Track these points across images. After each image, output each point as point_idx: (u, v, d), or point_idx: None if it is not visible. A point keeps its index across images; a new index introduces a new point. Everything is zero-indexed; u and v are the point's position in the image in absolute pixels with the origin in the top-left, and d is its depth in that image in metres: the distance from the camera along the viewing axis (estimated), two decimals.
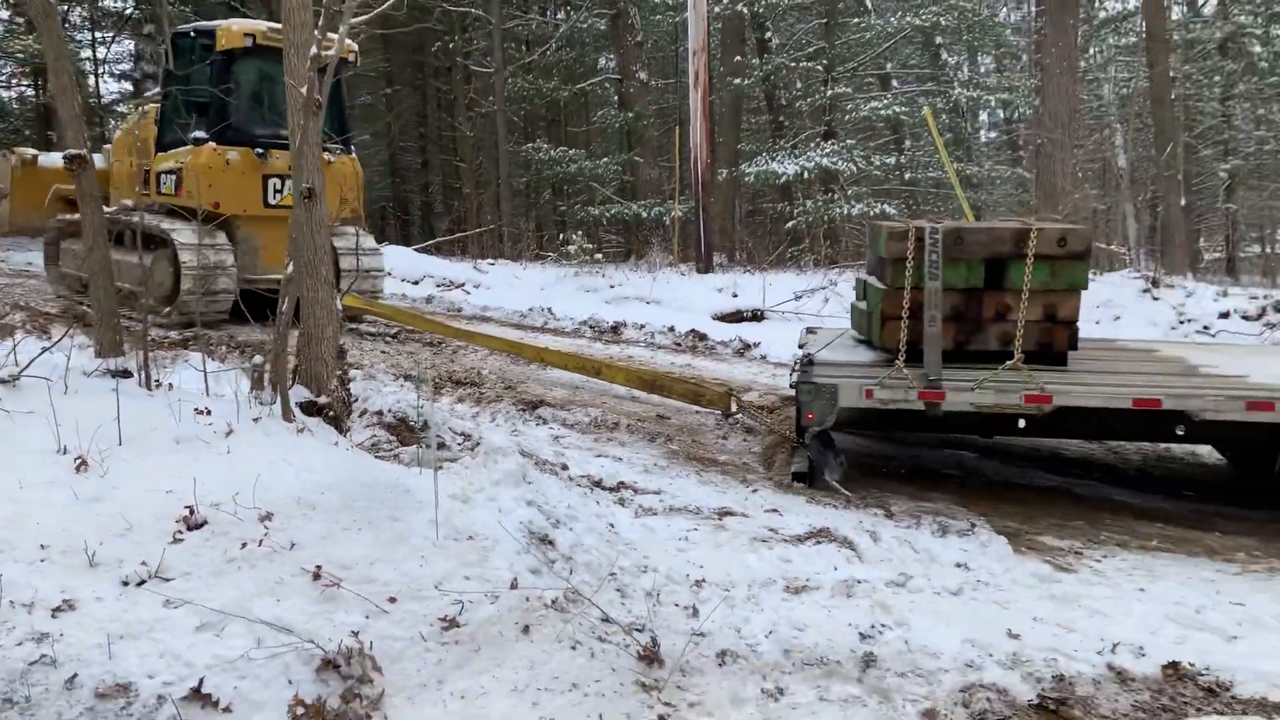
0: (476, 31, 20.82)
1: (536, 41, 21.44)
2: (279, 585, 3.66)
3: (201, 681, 3.25)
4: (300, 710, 3.25)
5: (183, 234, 9.92)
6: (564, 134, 23.07)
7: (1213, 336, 10.51)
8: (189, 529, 3.87)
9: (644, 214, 18.69)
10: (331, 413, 5.15)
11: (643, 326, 11.33)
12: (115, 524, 3.83)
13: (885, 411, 6.21)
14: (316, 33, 4.76)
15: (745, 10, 18.13)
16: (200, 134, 10.16)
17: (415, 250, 15.43)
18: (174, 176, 10.53)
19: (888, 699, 3.72)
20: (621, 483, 5.82)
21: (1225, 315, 10.97)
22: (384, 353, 9.11)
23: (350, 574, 3.75)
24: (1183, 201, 19.25)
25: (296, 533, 3.88)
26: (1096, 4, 26.67)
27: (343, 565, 3.78)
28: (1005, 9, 24.34)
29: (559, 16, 19.75)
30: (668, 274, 14.16)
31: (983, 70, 26.43)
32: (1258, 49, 25.25)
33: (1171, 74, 19.62)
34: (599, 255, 14.63)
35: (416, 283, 13.24)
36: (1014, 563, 5.07)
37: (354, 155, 10.94)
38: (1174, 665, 4.05)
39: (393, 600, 3.71)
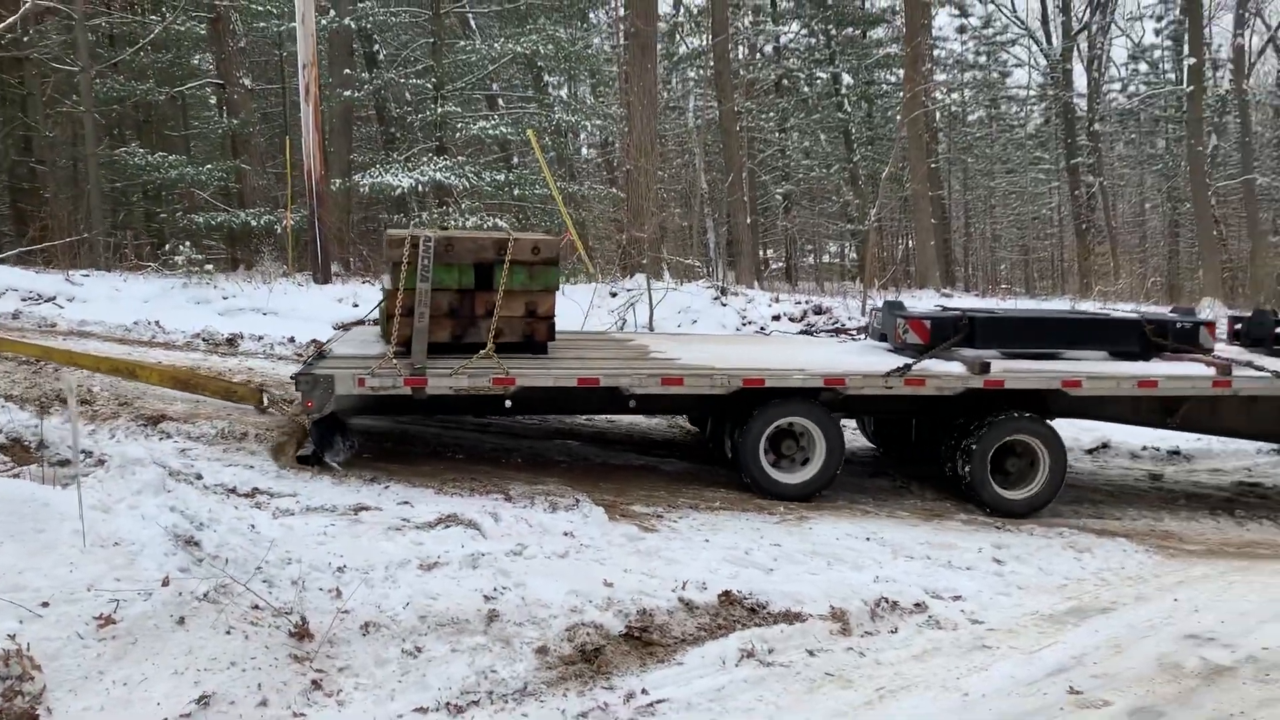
0: (54, 25, 19.13)
1: (127, 40, 20.09)
2: None
3: None
4: None
5: None
6: (158, 138, 21.76)
7: (768, 334, 12.52)
8: None
9: (253, 222, 18.26)
10: None
11: (261, 338, 11.32)
12: None
13: (388, 398, 6.94)
14: None
15: (352, 24, 18.34)
16: None
17: None
18: None
19: (509, 644, 4.49)
20: (256, 488, 6.12)
21: (777, 318, 13.11)
22: None
23: None
24: (749, 219, 22.16)
25: None
26: (677, 40, 29.70)
27: None
28: (599, 39, 26.42)
29: (153, 16, 18.68)
30: (284, 285, 14.09)
31: (581, 90, 28.47)
32: (805, 89, 29.51)
33: (736, 108, 22.49)
34: (209, 266, 14.20)
35: None
36: (610, 528, 6.07)
37: None
38: (727, 594, 5.20)
39: (46, 604, 3.89)
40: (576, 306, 12.85)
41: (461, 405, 7.46)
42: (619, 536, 5.97)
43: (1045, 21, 35.35)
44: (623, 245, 16.13)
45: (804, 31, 29.51)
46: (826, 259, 37.69)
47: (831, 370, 7.26)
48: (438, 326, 7.24)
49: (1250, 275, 27.68)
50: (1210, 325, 8.27)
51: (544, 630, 4.60)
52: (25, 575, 3.97)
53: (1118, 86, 36.96)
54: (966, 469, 7.36)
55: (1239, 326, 9.60)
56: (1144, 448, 10.93)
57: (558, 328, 7.80)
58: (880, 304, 9.02)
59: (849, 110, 29.59)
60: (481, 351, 7.11)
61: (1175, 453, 11.03)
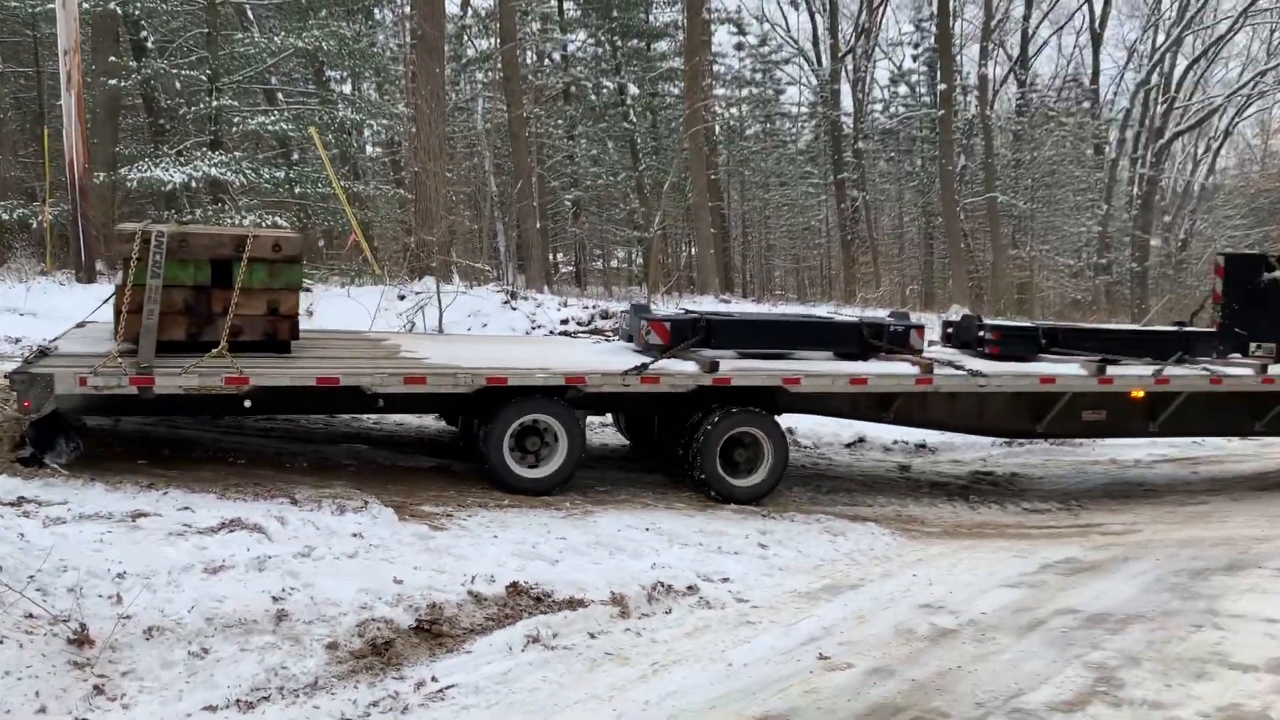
0: None
1: None
2: None
3: None
4: None
5: None
6: None
7: (528, 336, 12.84)
8: None
9: (4, 215, 16.91)
10: None
11: (18, 340, 10.61)
12: None
13: (116, 398, 6.72)
14: None
15: (118, 9, 17.31)
16: None
17: None
18: None
19: (299, 641, 4.58)
20: (22, 497, 5.86)
21: (565, 321, 13.47)
22: None
23: None
24: (538, 224, 22.47)
25: None
26: (465, 42, 29.63)
27: None
28: (385, 36, 25.98)
29: None
30: (44, 283, 13.19)
31: (366, 87, 27.89)
32: (593, 98, 30.15)
33: (525, 114, 22.75)
34: None
35: None
36: (400, 528, 6.20)
37: None
38: (515, 585, 5.47)
39: None
40: (363, 309, 12.74)
41: (199, 405, 7.19)
42: (409, 536, 6.11)
43: (816, 43, 37.64)
44: (411, 248, 16.04)
45: (591, 41, 30.13)
46: (615, 264, 38.54)
47: (573, 369, 7.60)
48: (172, 324, 7.05)
49: (992, 284, 30.50)
50: (920, 329, 9.10)
51: (334, 627, 4.72)
52: None
53: (880, 107, 39.78)
54: (698, 460, 7.86)
55: (950, 330, 10.70)
56: (895, 442, 12.00)
57: (342, 329, 7.81)
58: (628, 307, 9.52)
59: (634, 120, 30.45)
60: (213, 351, 6.96)
61: (922, 446, 12.17)
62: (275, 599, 4.86)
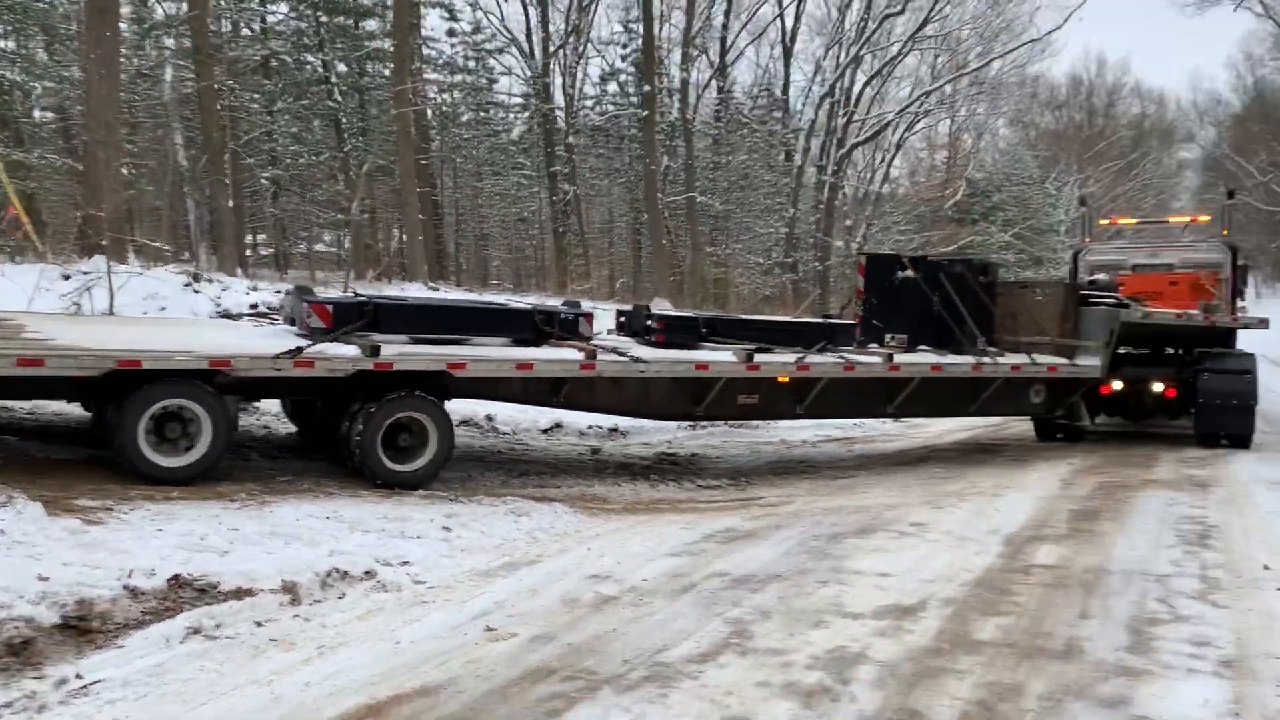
0: None
1: None
2: None
3: None
4: None
5: None
6: None
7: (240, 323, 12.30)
8: None
9: None
10: None
11: None
12: None
13: None
14: None
15: None
16: None
17: None
18: None
19: None
20: None
21: (255, 306, 12.92)
22: None
23: None
24: (231, 203, 21.26)
25: None
26: (151, 3, 27.44)
27: None
28: None
29: None
30: None
31: (32, 46, 25.16)
32: (295, 73, 28.84)
33: (218, 85, 21.44)
34: None
35: None
36: (49, 523, 5.79)
37: None
38: (177, 577, 5.28)
39: None
40: (19, 289, 11.61)
41: None
42: (59, 531, 5.73)
43: (529, 35, 37.98)
44: (80, 223, 14.72)
45: (292, 14, 28.80)
46: (321, 248, 37.08)
47: (219, 352, 7.33)
48: None
49: (691, 279, 32.21)
50: (589, 317, 9.55)
51: None
52: None
53: (591, 103, 40.77)
54: (359, 445, 7.81)
55: (623, 320, 11.32)
56: (590, 427, 12.54)
57: (35, 312, 7.09)
58: (291, 289, 9.38)
59: (340, 99, 29.46)
60: None
61: (615, 430, 12.78)
62: None
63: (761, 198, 38.84)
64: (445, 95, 37.15)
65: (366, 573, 5.82)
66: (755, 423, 14.00)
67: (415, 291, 19.15)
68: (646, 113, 30.17)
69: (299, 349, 7.53)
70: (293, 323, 8.74)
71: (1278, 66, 57.04)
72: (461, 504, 7.69)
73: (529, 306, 9.74)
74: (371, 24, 31.22)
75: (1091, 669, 4.61)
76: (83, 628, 4.68)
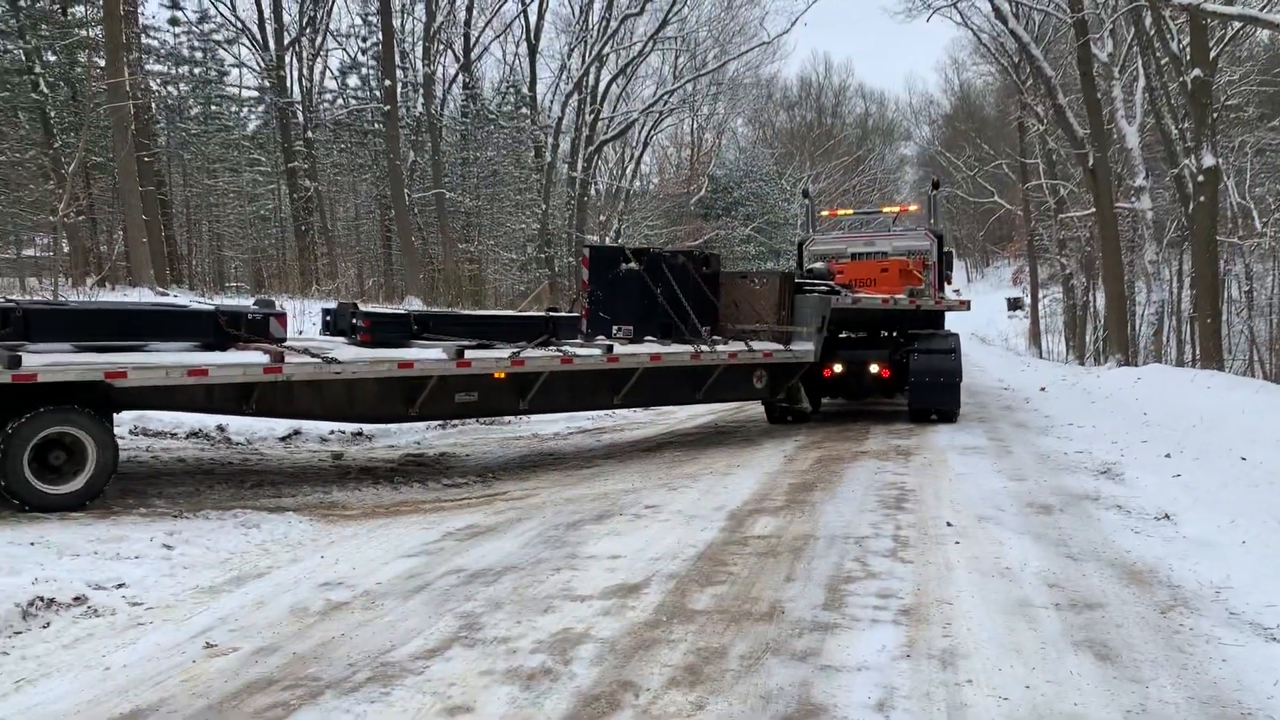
0: None
1: None
2: None
3: None
4: None
5: None
6: None
7: None
8: None
9: None
10: None
11: None
12: None
13: None
14: None
15: None
16: None
17: None
18: None
19: None
20: None
21: None
22: None
23: None
24: None
25: None
26: None
27: None
28: None
29: None
30: None
31: None
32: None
33: None
34: None
35: None
36: None
37: None
38: None
39: None
40: None
41: None
42: None
43: (262, 25, 36.25)
44: None
45: None
46: (34, 253, 33.83)
47: None
48: None
49: (443, 275, 31.87)
50: (281, 317, 9.16)
51: None
52: None
53: (330, 97, 39.46)
54: (2, 466, 7.11)
55: (328, 319, 11.03)
56: (331, 432, 12.24)
57: None
58: None
59: (47, 91, 27.01)
60: None
61: (359, 434, 12.54)
62: None
63: (512, 194, 38.94)
64: (170, 88, 34.85)
65: (76, 598, 5.49)
66: (507, 419, 14.12)
67: (137, 296, 17.95)
68: (389, 107, 29.56)
69: None
70: None
71: (979, 71, 63.05)
72: (186, 519, 7.36)
73: (212, 308, 9.12)
74: (80, 10, 28.84)
75: (790, 627, 5.06)
76: None
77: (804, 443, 12.17)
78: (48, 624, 5.19)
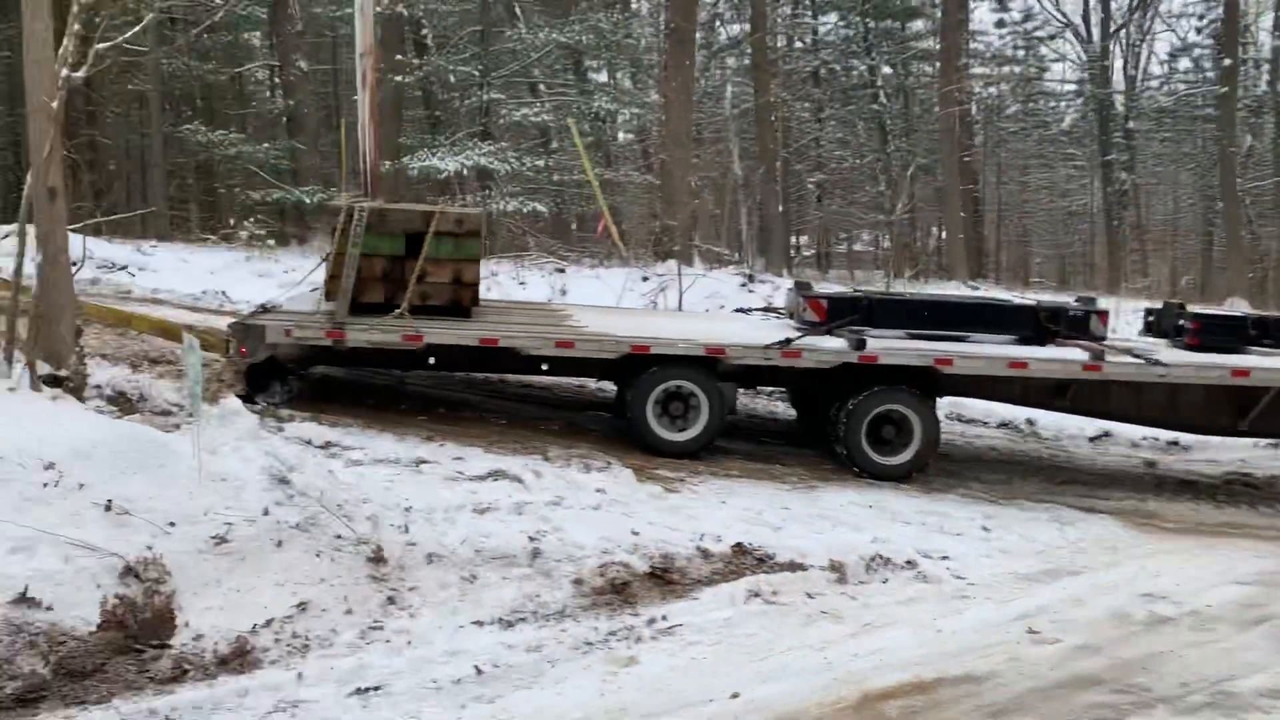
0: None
1: (188, 22, 21.03)
2: (76, 515, 4.55)
3: (26, 588, 4.13)
4: (115, 602, 4.24)
5: None
6: (214, 116, 22.72)
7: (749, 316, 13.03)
8: None
9: (307, 200, 19.18)
10: (71, 384, 5.86)
11: None
12: None
13: (319, 348, 7.83)
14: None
15: (404, 11, 19.15)
16: None
17: (71, 230, 14.83)
18: None
19: (549, 575, 5.27)
20: (329, 441, 6.94)
21: (769, 302, 13.73)
22: None
23: (135, 506, 4.71)
24: (780, 208, 22.79)
25: (81, 477, 4.76)
26: (717, 28, 30.24)
27: (128, 499, 4.72)
28: (640, 27, 26.99)
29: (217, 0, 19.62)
30: None
31: (620, 76, 29.07)
32: (842, 80, 29.98)
33: (772, 99, 23.08)
34: (270, 241, 15.08)
35: (77, 263, 12.98)
36: (637, 487, 6.83)
37: None
38: (739, 545, 5.95)
39: (173, 524, 4.72)
40: (610, 289, 13.59)
41: (389, 359, 8.17)
42: (645, 495, 6.73)
43: (1086, 17, 35.48)
44: (656, 232, 16.84)
45: (841, 23, 29.94)
46: (859, 248, 38.14)
47: (714, 340, 7.93)
48: (371, 288, 8.04)
49: (1277, 276, 27.89)
50: (1103, 314, 8.68)
51: (579, 566, 5.38)
52: (155, 500, 4.80)
53: (1155, 84, 37.02)
54: (844, 436, 7.95)
55: (1151, 319, 10.06)
56: (1143, 438, 11.52)
57: (583, 302, 8.43)
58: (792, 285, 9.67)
59: (884, 102, 30.02)
60: (395, 311, 7.89)
61: (1174, 443, 11.61)
62: (531, 539, 5.57)
63: None
64: (991, 89, 36.10)
65: (908, 562, 6.05)
66: None
67: (953, 290, 19.00)
68: (1225, 89, 26.69)
69: (787, 340, 7.97)
70: (793, 317, 9.20)
71: None
72: (1000, 506, 7.60)
73: (1033, 303, 9.20)
74: (918, 24, 31.39)
75: None
76: (666, 578, 5.49)
77: None
78: (885, 580, 5.80)
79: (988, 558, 6.35)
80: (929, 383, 8.28)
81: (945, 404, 11.31)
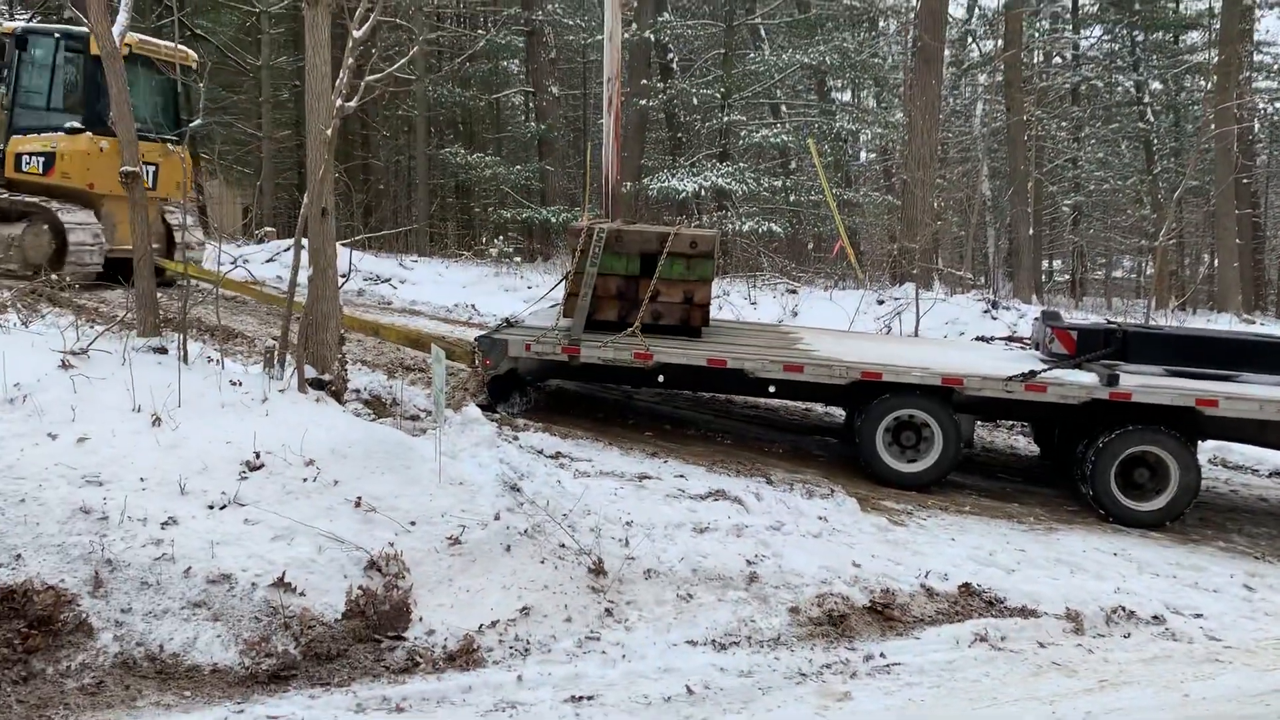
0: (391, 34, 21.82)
1: (452, 52, 22.58)
2: (330, 510, 4.96)
3: (283, 574, 4.54)
4: (359, 593, 4.58)
5: (70, 212, 11.29)
6: (473, 139, 24.23)
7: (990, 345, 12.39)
8: (251, 470, 5.12)
9: (553, 219, 20.07)
10: (333, 388, 6.40)
11: None
12: (194, 464, 5.06)
13: (556, 363, 8.12)
14: (338, 84, 6.03)
15: (651, 37, 19.68)
16: (74, 123, 11.42)
17: (341, 245, 16.24)
18: (42, 159, 11.59)
19: (766, 601, 5.24)
20: (559, 452, 7.22)
21: (1013, 331, 12.96)
22: None
23: (381, 504, 5.08)
24: (1030, 231, 21.64)
25: (336, 474, 5.18)
26: (968, 45, 29.20)
27: (375, 497, 5.10)
28: (887, 46, 26.48)
29: (480, 31, 20.93)
30: None
31: (864, 96, 28.61)
32: (1105, 97, 28.16)
33: (1026, 117, 22.00)
34: (518, 258, 15.88)
35: (344, 276, 14.20)
36: (861, 517, 6.67)
37: (184, 146, 10.86)
38: (967, 586, 5.69)
39: (413, 523, 5.05)
40: (843, 312, 13.38)
41: (620, 376, 8.37)
42: (869, 526, 6.55)
43: None
44: (894, 254, 16.42)
45: (1106, 37, 28.15)
46: (1119, 274, 35.62)
47: (952, 370, 7.59)
48: (607, 306, 8.30)
49: None
50: None
51: (797, 594, 5.32)
52: (398, 500, 5.15)
53: None
54: (1091, 476, 7.43)
55: None
56: None
57: (815, 324, 8.40)
58: (1039, 315, 9.19)
59: (1152, 120, 27.96)
60: (627, 330, 8.09)
61: None
62: (749, 562, 5.56)
63: None
64: (1276, 104, 32.81)
65: (1154, 617, 5.59)
66: None
67: (1224, 323, 17.38)
68: None
69: (1032, 373, 7.55)
70: (1039, 348, 8.72)
71: None
72: (1268, 564, 6.87)
73: None
74: (1193, 36, 29.05)
75: None
76: (886, 614, 5.33)
77: None
78: (1128, 635, 5.37)
79: (1249, 619, 5.76)
80: (1190, 424, 7.63)
81: (1208, 447, 10.40)
